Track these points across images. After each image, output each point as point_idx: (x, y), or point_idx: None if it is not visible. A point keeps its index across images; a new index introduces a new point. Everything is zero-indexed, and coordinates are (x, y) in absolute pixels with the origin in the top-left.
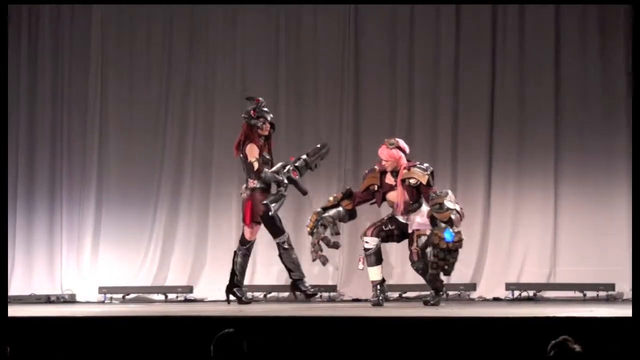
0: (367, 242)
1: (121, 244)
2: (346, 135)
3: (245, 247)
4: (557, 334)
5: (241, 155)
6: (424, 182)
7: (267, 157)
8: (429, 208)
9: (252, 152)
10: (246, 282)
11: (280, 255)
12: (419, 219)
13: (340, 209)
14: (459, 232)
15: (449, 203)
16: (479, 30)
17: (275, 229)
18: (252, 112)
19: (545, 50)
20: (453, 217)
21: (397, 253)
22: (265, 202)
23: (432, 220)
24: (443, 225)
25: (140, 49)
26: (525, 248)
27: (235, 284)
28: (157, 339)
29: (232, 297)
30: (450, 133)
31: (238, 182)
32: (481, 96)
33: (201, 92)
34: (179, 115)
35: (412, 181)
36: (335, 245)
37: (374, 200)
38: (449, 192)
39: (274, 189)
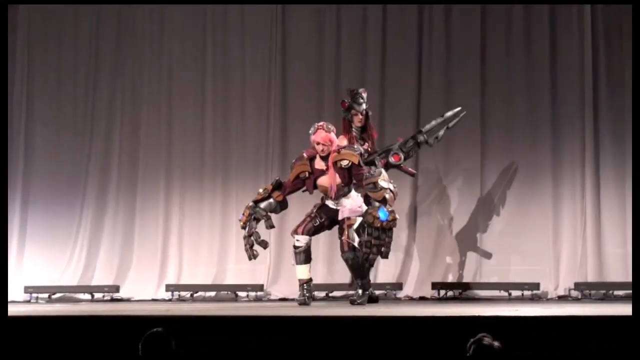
0: (297, 240)
1: (47, 244)
2: (273, 135)
3: None
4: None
5: None
6: (356, 162)
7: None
8: (358, 192)
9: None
10: (173, 281)
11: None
12: (349, 205)
13: (272, 200)
14: (392, 212)
15: (382, 182)
16: (405, 29)
17: None
18: (342, 104)
19: (472, 49)
20: (387, 196)
21: (323, 252)
22: None
23: (366, 199)
24: (377, 204)
25: (67, 48)
26: (451, 247)
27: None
28: (84, 338)
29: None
30: (377, 130)
31: (164, 182)
32: (407, 94)
33: (128, 92)
34: (105, 114)
35: (344, 162)
36: (264, 244)
37: (304, 188)
38: (382, 170)
39: None
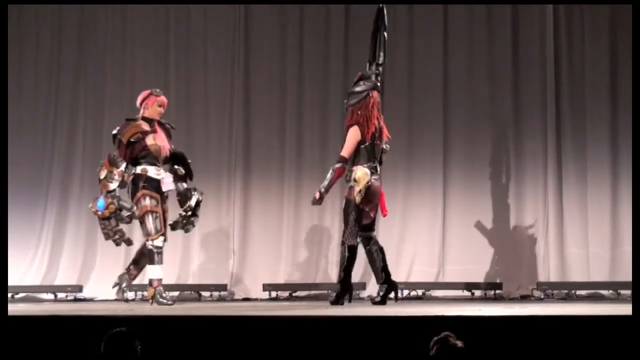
0: (160, 240)
1: (10, 244)
2: (236, 136)
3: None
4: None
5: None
6: (174, 127)
7: None
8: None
9: None
10: (136, 281)
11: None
12: (167, 177)
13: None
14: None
15: None
16: (368, 29)
17: None
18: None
19: (434, 50)
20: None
21: (287, 252)
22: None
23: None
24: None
25: (29, 47)
26: (414, 247)
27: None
28: (47, 338)
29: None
30: (340, 132)
31: None
32: None
33: (90, 93)
34: (68, 115)
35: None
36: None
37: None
38: None
39: None
